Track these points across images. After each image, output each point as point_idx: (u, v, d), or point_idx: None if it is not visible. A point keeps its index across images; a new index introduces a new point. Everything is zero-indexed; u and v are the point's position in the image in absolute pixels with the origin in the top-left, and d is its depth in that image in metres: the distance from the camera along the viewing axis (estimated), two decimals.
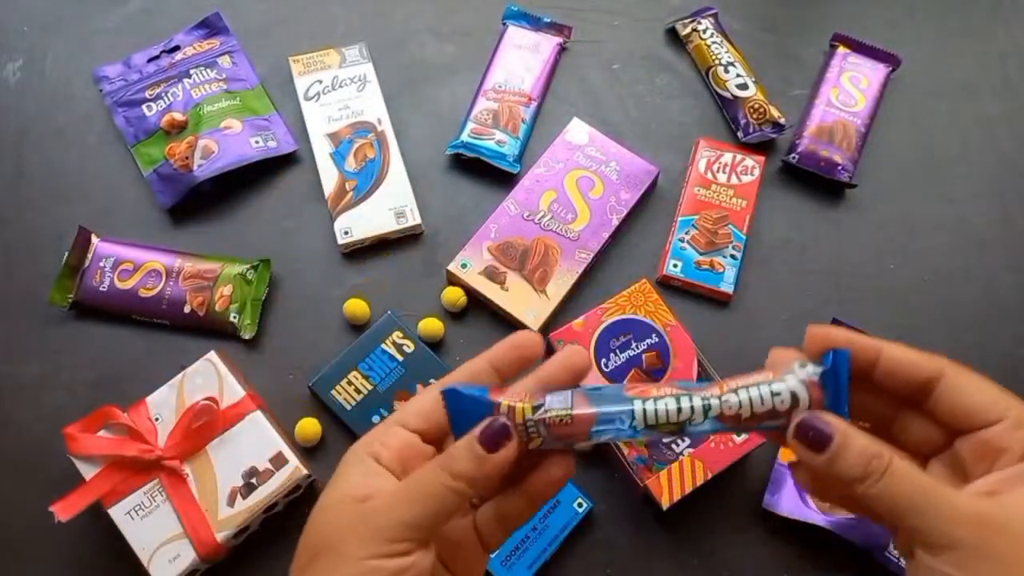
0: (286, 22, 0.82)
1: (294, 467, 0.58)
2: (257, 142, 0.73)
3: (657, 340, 0.62)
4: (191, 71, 0.76)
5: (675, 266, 0.69)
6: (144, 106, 0.75)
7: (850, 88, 0.77)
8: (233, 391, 0.60)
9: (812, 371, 0.32)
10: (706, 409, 0.32)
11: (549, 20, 0.80)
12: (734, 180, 0.73)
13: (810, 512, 0.59)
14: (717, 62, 0.77)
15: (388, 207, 0.71)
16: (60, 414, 0.63)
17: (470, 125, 0.75)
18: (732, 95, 0.76)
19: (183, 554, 0.56)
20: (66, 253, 0.67)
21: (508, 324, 0.68)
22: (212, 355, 0.62)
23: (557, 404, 0.33)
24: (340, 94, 0.76)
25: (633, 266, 0.71)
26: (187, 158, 0.71)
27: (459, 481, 0.31)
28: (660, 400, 0.33)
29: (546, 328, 0.67)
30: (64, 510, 0.55)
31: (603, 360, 0.61)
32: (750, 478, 0.63)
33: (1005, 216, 0.74)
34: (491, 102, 0.76)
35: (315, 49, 0.78)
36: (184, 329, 0.68)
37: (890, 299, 0.70)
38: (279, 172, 0.74)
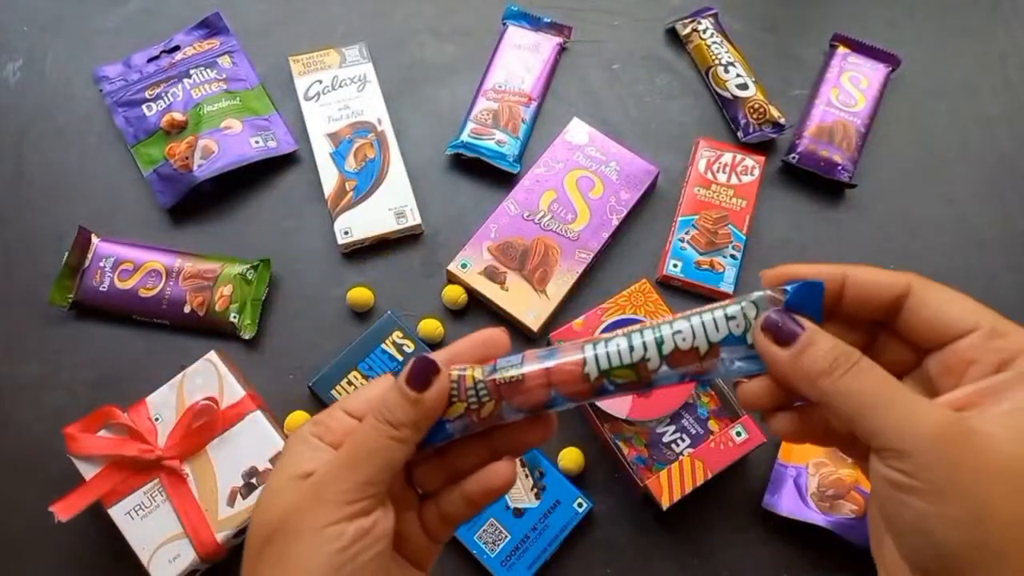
0: (286, 22, 0.82)
1: None
2: (257, 142, 0.73)
3: None
4: (191, 71, 0.76)
5: (675, 266, 0.69)
6: (144, 106, 0.75)
7: (850, 88, 0.77)
8: (233, 391, 0.60)
9: (770, 294, 0.30)
10: (659, 343, 0.30)
11: (549, 20, 0.80)
12: (734, 180, 0.73)
13: (810, 512, 0.59)
14: (717, 62, 0.77)
15: (388, 207, 0.71)
16: (60, 414, 0.63)
17: (470, 125, 0.75)
18: (732, 95, 0.76)
19: (183, 554, 0.56)
20: (66, 253, 0.67)
21: (508, 324, 0.68)
22: (212, 355, 0.62)
23: (506, 365, 0.32)
24: (340, 94, 0.76)
25: (633, 266, 0.71)
26: (187, 158, 0.71)
27: (401, 429, 0.31)
28: (611, 342, 0.31)
29: (546, 328, 0.67)
30: (64, 510, 0.55)
31: None
32: (750, 478, 0.63)
33: (1005, 216, 0.74)
34: (491, 102, 0.76)
35: (315, 49, 0.78)
36: (184, 329, 0.68)
37: None
38: (279, 172, 0.74)
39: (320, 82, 0.76)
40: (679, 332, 0.30)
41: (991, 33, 0.83)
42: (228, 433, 0.59)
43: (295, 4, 0.82)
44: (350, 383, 0.64)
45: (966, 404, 0.28)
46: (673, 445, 0.61)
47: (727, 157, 0.74)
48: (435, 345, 0.66)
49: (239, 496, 0.57)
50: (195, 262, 0.68)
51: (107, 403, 0.59)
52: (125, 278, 0.67)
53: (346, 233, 0.70)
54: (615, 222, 0.70)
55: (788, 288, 0.30)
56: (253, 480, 0.58)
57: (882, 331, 0.32)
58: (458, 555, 0.60)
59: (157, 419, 0.59)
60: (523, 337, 0.68)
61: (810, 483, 0.60)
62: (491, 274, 0.68)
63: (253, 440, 0.59)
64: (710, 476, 0.58)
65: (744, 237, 0.71)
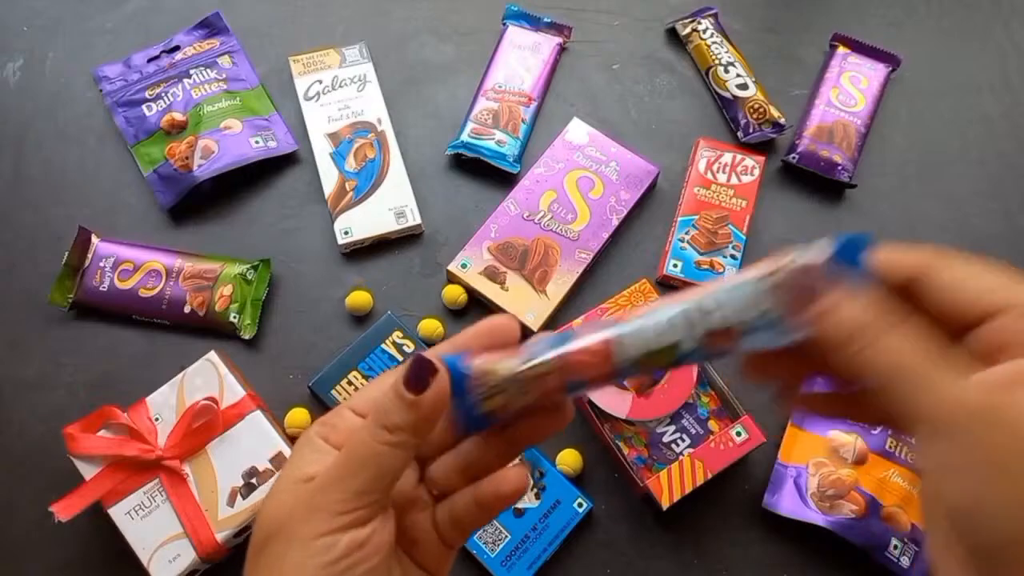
0: (286, 22, 0.82)
1: None
2: (257, 142, 0.73)
3: None
4: (191, 71, 0.76)
5: (675, 266, 0.69)
6: (144, 106, 0.75)
7: (850, 88, 0.77)
8: (233, 391, 0.60)
9: (813, 257, 0.27)
10: (690, 324, 0.28)
11: (549, 20, 0.80)
12: (734, 180, 0.73)
13: (810, 512, 0.59)
14: (717, 62, 0.77)
15: (388, 207, 0.71)
16: (60, 414, 0.63)
17: (470, 125, 0.75)
18: (732, 95, 0.76)
19: (183, 554, 0.56)
20: (66, 253, 0.67)
21: None
22: (212, 355, 0.62)
23: (539, 354, 0.30)
24: (340, 94, 0.76)
25: (633, 266, 0.71)
26: (187, 158, 0.71)
27: (398, 434, 0.29)
28: (645, 325, 0.29)
29: (546, 328, 0.67)
30: (64, 510, 0.55)
31: None
32: (750, 478, 0.63)
33: (1005, 216, 0.74)
34: (491, 102, 0.76)
35: (315, 49, 0.78)
36: (184, 329, 0.68)
37: None
38: (279, 172, 0.74)
39: (320, 82, 0.76)
40: (709, 313, 0.28)
41: (991, 33, 0.83)
42: (228, 433, 0.59)
43: (295, 4, 0.82)
44: (350, 383, 0.64)
45: (1004, 384, 0.25)
46: (673, 445, 0.61)
47: (727, 157, 0.74)
48: (435, 345, 0.66)
49: (239, 496, 0.57)
50: (195, 262, 0.68)
51: (107, 403, 0.59)
52: (125, 278, 0.67)
53: (346, 233, 0.70)
54: (615, 222, 0.70)
55: (833, 244, 0.27)
56: (253, 480, 0.58)
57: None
58: (458, 555, 0.60)
59: (157, 419, 0.59)
60: (523, 337, 0.68)
61: (810, 483, 0.60)
62: (491, 274, 0.68)
63: (253, 440, 0.59)
64: (710, 476, 0.58)
65: (744, 237, 0.71)
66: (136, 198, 0.73)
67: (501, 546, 0.59)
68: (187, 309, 0.67)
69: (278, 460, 0.59)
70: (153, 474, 0.57)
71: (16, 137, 0.75)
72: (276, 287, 0.70)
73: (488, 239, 0.69)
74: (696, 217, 0.71)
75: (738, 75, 0.77)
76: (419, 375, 0.29)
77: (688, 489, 0.58)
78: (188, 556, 0.56)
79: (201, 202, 0.72)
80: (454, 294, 0.68)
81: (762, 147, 0.75)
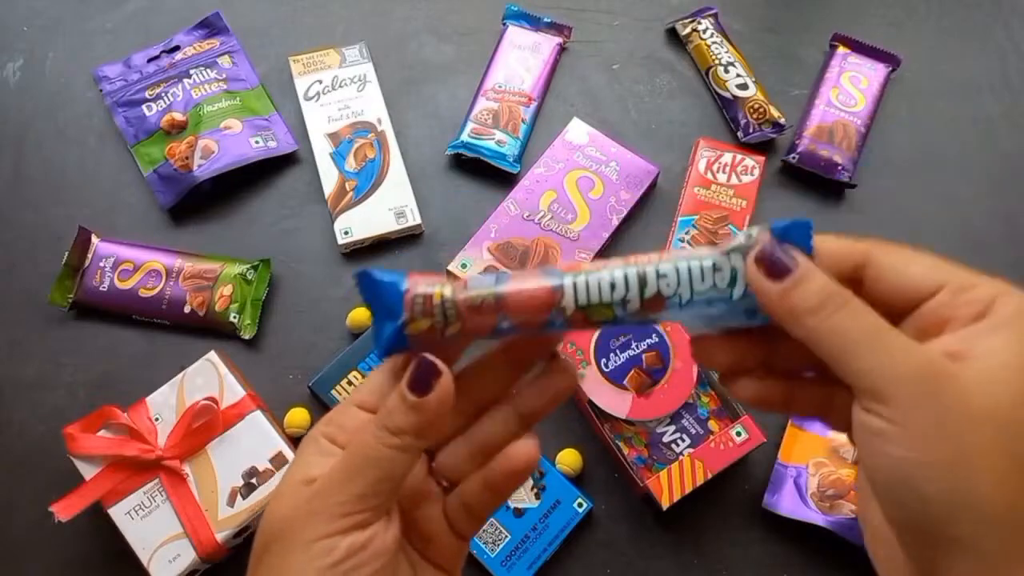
0: (286, 22, 0.82)
1: None
2: (257, 142, 0.73)
3: (657, 340, 0.62)
4: (191, 71, 0.76)
5: None
6: (144, 106, 0.75)
7: (850, 88, 0.77)
8: (233, 391, 0.60)
9: (756, 238, 0.28)
10: (642, 285, 0.29)
11: (549, 20, 0.80)
12: (734, 180, 0.73)
13: (810, 512, 0.59)
14: (717, 62, 0.77)
15: (388, 207, 0.71)
16: (60, 414, 0.63)
17: (470, 125, 0.75)
18: (732, 95, 0.76)
19: (183, 554, 0.56)
20: (66, 253, 0.67)
21: None
22: (212, 355, 0.62)
23: (479, 284, 0.30)
24: (340, 94, 0.76)
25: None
26: (187, 158, 0.71)
27: (402, 437, 0.29)
28: (592, 275, 0.29)
29: None
30: (64, 510, 0.55)
31: (603, 360, 0.61)
32: (750, 478, 0.63)
33: (1005, 216, 0.74)
34: (491, 102, 0.76)
35: (315, 49, 0.78)
36: (184, 329, 0.68)
37: None
38: (279, 172, 0.74)
39: (320, 82, 0.76)
40: (664, 277, 0.29)
41: (991, 33, 0.83)
42: (228, 433, 0.59)
43: (295, 4, 0.82)
44: (350, 383, 0.64)
45: (960, 351, 0.26)
46: (673, 445, 0.61)
47: (727, 157, 0.74)
48: None
49: (239, 496, 0.57)
50: (195, 262, 0.68)
51: (107, 403, 0.59)
52: (125, 278, 0.67)
53: (346, 233, 0.70)
54: (615, 222, 0.70)
55: (774, 227, 0.29)
56: (253, 480, 0.58)
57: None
58: None
59: (157, 419, 0.59)
60: None
61: (810, 483, 0.60)
62: None
63: (253, 440, 0.59)
64: (710, 476, 0.58)
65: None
66: (136, 198, 0.73)
67: (501, 546, 0.59)
68: (187, 309, 0.67)
69: (278, 460, 0.59)
70: (153, 474, 0.57)
71: (16, 137, 0.75)
72: (276, 287, 0.70)
73: (488, 239, 0.69)
74: (696, 217, 0.71)
75: (738, 75, 0.77)
76: (423, 377, 0.29)
77: (688, 489, 0.58)
78: (188, 556, 0.56)
79: (201, 202, 0.72)
80: None
81: (762, 147, 0.75)
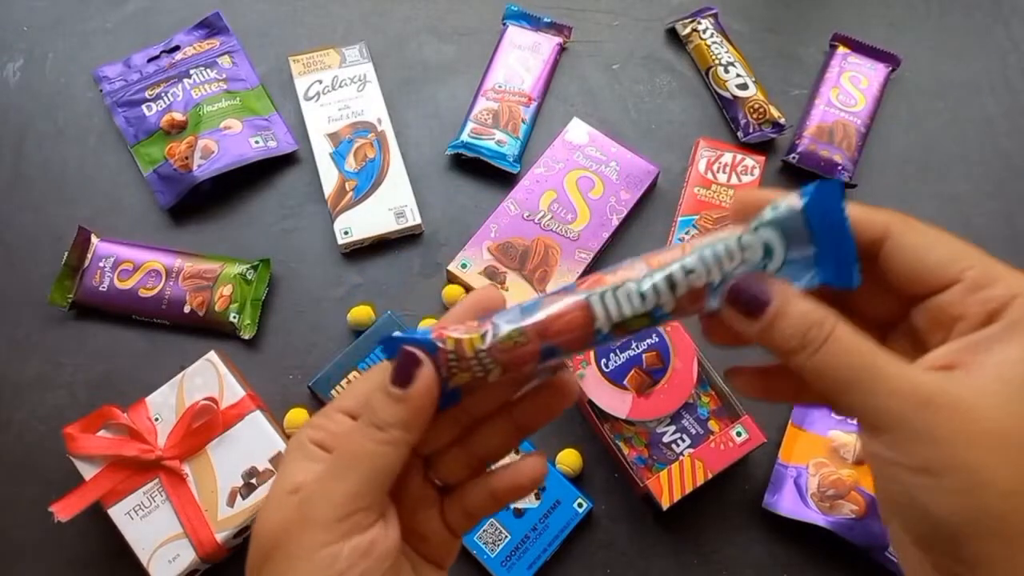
0: (286, 22, 0.82)
1: None
2: (257, 142, 0.73)
3: (657, 340, 0.62)
4: (191, 71, 0.76)
5: None
6: (144, 106, 0.75)
7: (850, 88, 0.77)
8: (233, 391, 0.60)
9: (787, 210, 0.26)
10: (672, 287, 0.27)
11: (549, 20, 0.80)
12: (734, 180, 0.73)
13: (810, 512, 0.59)
14: (717, 62, 0.77)
15: (388, 207, 0.71)
16: (60, 414, 0.63)
17: (470, 125, 0.75)
18: (732, 95, 0.76)
19: (183, 554, 0.56)
20: (66, 253, 0.67)
21: None
22: (212, 355, 0.62)
23: (506, 323, 0.28)
24: (340, 94, 0.76)
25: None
26: (187, 158, 0.71)
27: (389, 431, 0.28)
28: (619, 291, 0.28)
29: None
30: (64, 510, 0.55)
31: (603, 360, 0.61)
32: (750, 478, 0.63)
33: (1006, 216, 0.74)
34: (491, 102, 0.76)
35: (315, 49, 0.78)
36: (184, 329, 0.68)
37: None
38: (279, 172, 0.74)
39: (320, 82, 0.76)
40: (692, 272, 0.27)
41: (991, 33, 0.83)
42: (228, 433, 0.59)
43: (295, 4, 0.82)
44: (350, 383, 0.64)
45: (951, 363, 0.25)
46: (673, 445, 0.61)
47: (727, 157, 0.74)
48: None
49: (239, 496, 0.57)
50: (195, 262, 0.68)
51: (107, 403, 0.59)
52: (125, 278, 0.67)
53: (346, 233, 0.70)
54: (615, 222, 0.70)
55: (804, 193, 0.27)
56: (253, 480, 0.58)
57: (867, 276, 0.29)
58: (458, 555, 0.60)
59: (157, 419, 0.59)
60: None
61: (810, 483, 0.60)
62: (491, 274, 0.68)
63: (253, 440, 0.59)
64: (710, 476, 0.58)
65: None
66: (136, 198, 0.73)
67: (501, 546, 0.59)
68: (187, 309, 0.67)
69: (278, 460, 0.59)
70: (153, 474, 0.57)
71: (16, 137, 0.75)
72: (276, 287, 0.70)
73: (488, 239, 0.69)
74: (696, 217, 0.71)
75: (738, 75, 0.76)
76: (404, 368, 0.28)
77: (688, 489, 0.58)
78: (188, 556, 0.56)
79: (201, 202, 0.72)
80: (454, 294, 0.68)
81: (762, 147, 0.75)
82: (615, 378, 0.61)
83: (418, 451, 0.31)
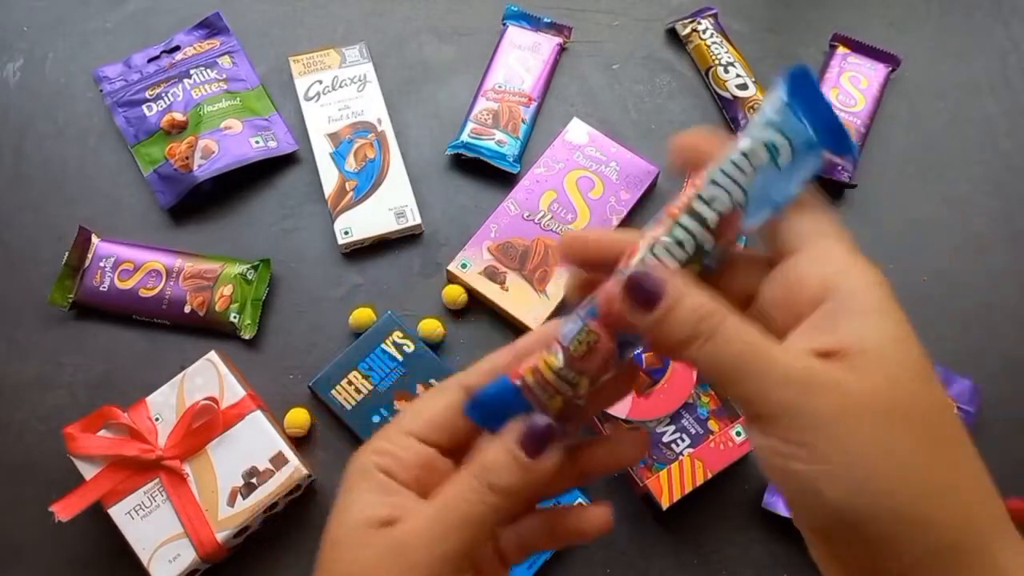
0: (286, 22, 0.82)
1: (294, 467, 0.58)
2: (257, 142, 0.73)
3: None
4: (191, 71, 0.76)
5: None
6: (144, 106, 0.75)
7: (850, 88, 0.77)
8: (233, 391, 0.60)
9: (775, 108, 0.27)
10: (702, 222, 0.27)
11: (549, 20, 0.80)
12: None
13: None
14: (717, 62, 0.77)
15: (388, 207, 0.71)
16: (60, 414, 0.63)
17: (470, 125, 0.75)
18: (732, 95, 0.76)
19: (183, 554, 0.56)
20: (66, 253, 0.67)
21: (508, 324, 0.68)
22: (212, 355, 0.62)
23: (569, 330, 0.28)
24: (340, 94, 0.76)
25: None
26: (187, 158, 0.71)
27: (500, 496, 0.28)
28: (656, 248, 0.28)
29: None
30: (64, 510, 0.55)
31: None
32: (750, 478, 0.63)
33: (1006, 216, 0.74)
34: (491, 102, 0.76)
35: (315, 49, 0.78)
36: (184, 329, 0.68)
37: None
38: (279, 172, 0.74)
39: (320, 82, 0.76)
40: (713, 200, 0.27)
41: (991, 33, 0.83)
42: (228, 433, 0.59)
43: (295, 4, 0.82)
44: (350, 383, 0.64)
45: (832, 348, 0.25)
46: (673, 445, 0.61)
47: None
48: (434, 345, 0.66)
49: (239, 496, 0.57)
50: (195, 262, 0.68)
51: (107, 403, 0.59)
52: (125, 278, 0.67)
53: (346, 233, 0.70)
54: (615, 222, 0.70)
55: (781, 87, 0.27)
56: (253, 480, 0.58)
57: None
58: None
59: (157, 419, 0.59)
60: None
61: None
62: (491, 274, 0.68)
63: (253, 440, 0.59)
64: (710, 476, 0.58)
65: (744, 237, 0.70)
66: (136, 198, 0.73)
67: None
68: (187, 309, 0.67)
69: (278, 460, 0.59)
70: (153, 474, 0.57)
71: (16, 137, 0.75)
72: (276, 287, 0.70)
73: (488, 239, 0.69)
74: None
75: (738, 75, 0.77)
76: (541, 440, 0.28)
77: (688, 489, 0.58)
78: (188, 556, 0.56)
79: (201, 202, 0.72)
80: (454, 294, 0.68)
81: None
82: None
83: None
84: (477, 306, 0.69)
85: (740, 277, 0.29)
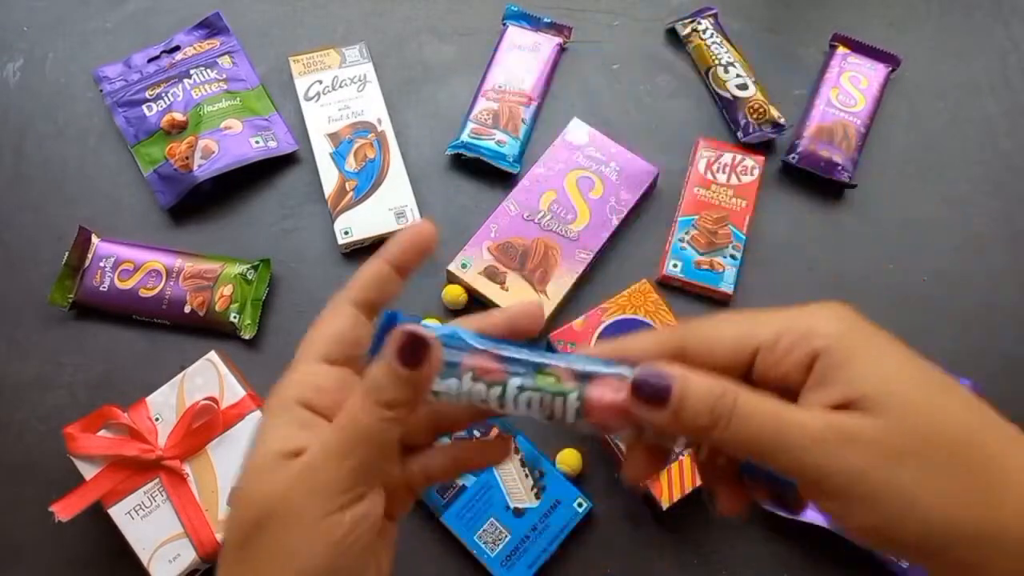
0: (286, 22, 0.82)
1: None
2: (257, 142, 0.73)
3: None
4: (191, 71, 0.76)
5: (675, 266, 0.69)
6: (144, 106, 0.75)
7: (850, 88, 0.77)
8: (233, 391, 0.60)
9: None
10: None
11: (549, 20, 0.80)
12: (734, 180, 0.73)
13: (810, 512, 0.59)
14: (717, 62, 0.77)
15: (388, 207, 0.71)
16: (60, 414, 0.63)
17: (470, 125, 0.75)
18: (732, 95, 0.76)
19: (183, 554, 0.56)
20: (66, 253, 0.67)
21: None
22: (212, 355, 0.62)
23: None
24: (340, 94, 0.76)
25: (633, 266, 0.71)
26: (187, 158, 0.71)
27: (397, 410, 0.29)
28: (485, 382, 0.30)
29: (546, 328, 0.67)
30: (64, 510, 0.55)
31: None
32: None
33: (1005, 216, 0.74)
34: (491, 102, 0.76)
35: (315, 49, 0.78)
36: (184, 329, 0.68)
37: (889, 299, 0.70)
38: (279, 172, 0.74)
39: (320, 82, 0.76)
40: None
41: (991, 33, 0.83)
42: (228, 433, 0.59)
43: (295, 4, 0.83)
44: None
45: (839, 404, 0.27)
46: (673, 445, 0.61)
47: (727, 157, 0.74)
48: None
49: None
50: (195, 262, 0.68)
51: (107, 403, 0.59)
52: (125, 278, 0.67)
53: (346, 233, 0.70)
54: (615, 222, 0.70)
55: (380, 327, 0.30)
56: None
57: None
58: (458, 555, 0.60)
59: (157, 419, 0.59)
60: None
61: None
62: (491, 274, 0.68)
63: None
64: None
65: (744, 237, 0.71)
66: (136, 198, 0.73)
67: (501, 546, 0.59)
68: (187, 309, 0.67)
69: None
70: (153, 474, 0.57)
71: (16, 137, 0.75)
72: (276, 287, 0.70)
73: (488, 239, 0.69)
74: (696, 217, 0.71)
75: (738, 75, 0.77)
76: (415, 351, 0.29)
77: (688, 489, 0.58)
78: (188, 556, 0.56)
79: (201, 202, 0.72)
80: (454, 294, 0.68)
81: (762, 147, 0.75)
82: None
83: None
84: (477, 306, 0.69)
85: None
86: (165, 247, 0.70)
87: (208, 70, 0.76)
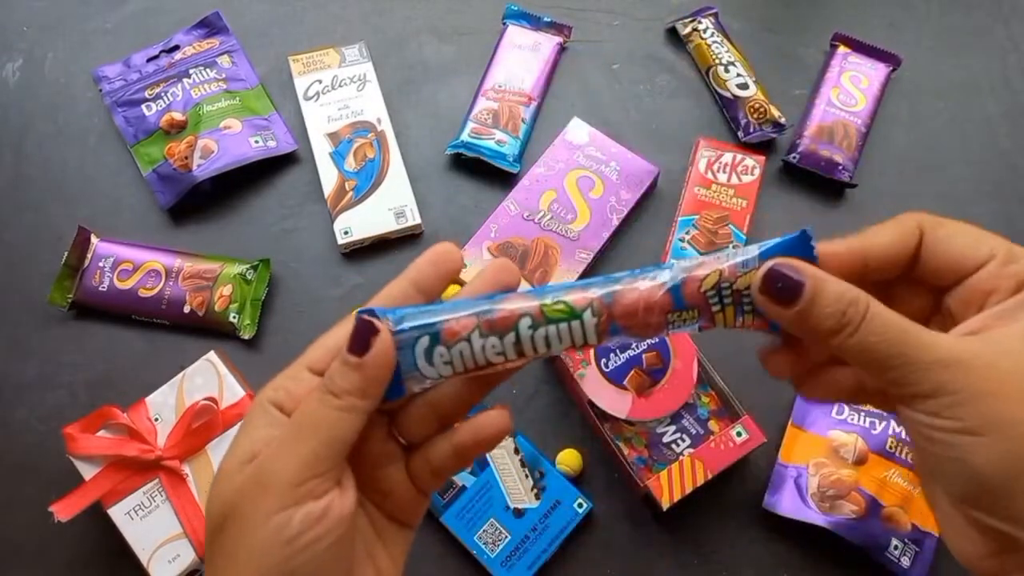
0: (286, 22, 0.82)
1: None
2: (257, 142, 0.73)
3: (657, 340, 0.62)
4: (191, 71, 0.76)
5: None
6: (144, 106, 0.75)
7: (850, 88, 0.77)
8: (233, 391, 0.60)
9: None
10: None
11: (549, 20, 0.80)
12: (734, 180, 0.73)
13: (810, 512, 0.59)
14: (717, 62, 0.77)
15: (388, 207, 0.71)
16: (60, 414, 0.63)
17: (470, 125, 0.75)
18: (732, 95, 0.76)
19: (183, 554, 0.56)
20: (66, 253, 0.67)
21: None
22: (212, 355, 0.62)
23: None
24: (340, 94, 0.76)
25: (633, 266, 0.70)
26: (187, 158, 0.71)
27: (345, 398, 0.28)
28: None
29: None
30: (64, 510, 0.55)
31: (603, 360, 0.61)
32: (750, 478, 0.63)
33: (1006, 216, 0.74)
34: (491, 102, 0.76)
35: (315, 49, 0.78)
36: (184, 329, 0.68)
37: None
38: (279, 172, 0.74)
39: (320, 82, 0.76)
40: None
41: (991, 33, 0.83)
42: (228, 433, 0.59)
43: (295, 4, 0.82)
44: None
45: (980, 328, 0.27)
46: (673, 445, 0.61)
47: (727, 157, 0.74)
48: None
49: None
50: (195, 262, 0.68)
51: (107, 403, 0.59)
52: (125, 278, 0.67)
53: (346, 233, 0.70)
54: (615, 222, 0.70)
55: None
56: None
57: (903, 276, 0.31)
58: (458, 555, 0.60)
59: (157, 419, 0.59)
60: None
61: (810, 483, 0.60)
62: None
63: None
64: (710, 476, 0.58)
65: (744, 237, 0.71)
66: (136, 198, 0.73)
67: (501, 546, 0.59)
68: (187, 309, 0.67)
69: None
70: (153, 474, 0.57)
71: (16, 137, 0.75)
72: (276, 287, 0.70)
73: (488, 239, 0.69)
74: (696, 217, 0.71)
75: (738, 75, 0.76)
76: (361, 337, 0.28)
77: (688, 489, 0.58)
78: (188, 556, 0.56)
79: (201, 202, 0.72)
80: (454, 294, 0.67)
81: (762, 147, 0.75)
82: (615, 378, 0.61)
83: (381, 407, 0.30)
84: None
85: (911, 299, 0.31)
86: (164, 247, 0.70)
87: (207, 70, 0.76)
